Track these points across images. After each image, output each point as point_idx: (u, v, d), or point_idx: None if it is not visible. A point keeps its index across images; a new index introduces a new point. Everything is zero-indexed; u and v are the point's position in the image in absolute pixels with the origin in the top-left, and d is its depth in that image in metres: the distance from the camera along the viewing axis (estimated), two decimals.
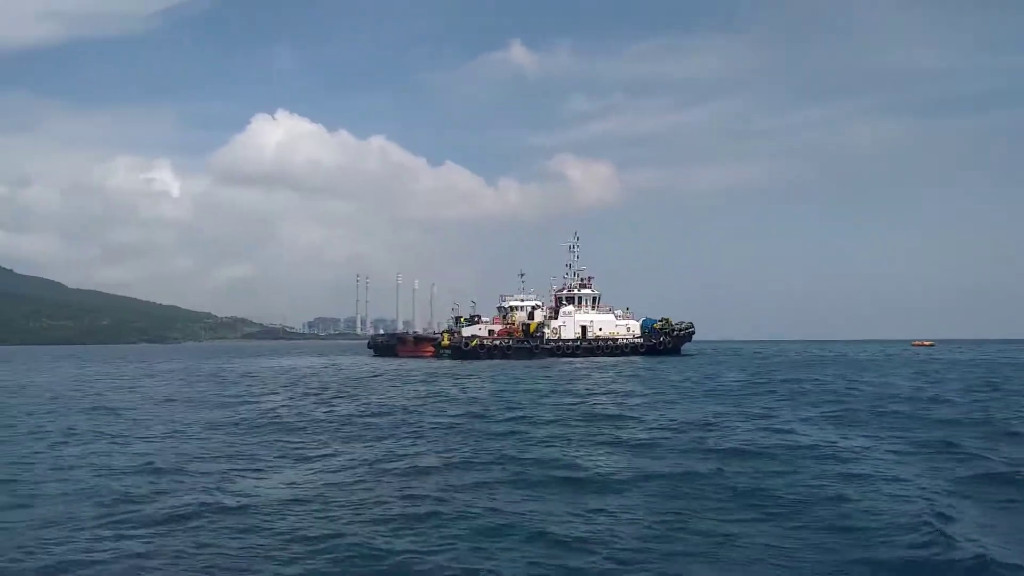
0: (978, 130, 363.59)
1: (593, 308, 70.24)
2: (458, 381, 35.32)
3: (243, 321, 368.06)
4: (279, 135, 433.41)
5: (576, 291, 70.41)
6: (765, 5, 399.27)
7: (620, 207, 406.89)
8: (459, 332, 70.57)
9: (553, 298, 72.02)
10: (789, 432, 16.08)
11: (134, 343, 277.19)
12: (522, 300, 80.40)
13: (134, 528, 8.71)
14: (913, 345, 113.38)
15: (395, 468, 12.41)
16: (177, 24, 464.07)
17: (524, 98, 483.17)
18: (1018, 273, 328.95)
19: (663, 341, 70.08)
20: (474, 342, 64.99)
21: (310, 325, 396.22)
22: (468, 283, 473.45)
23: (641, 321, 71.37)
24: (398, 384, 34.26)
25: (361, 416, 20.46)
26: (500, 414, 20.48)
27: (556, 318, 69.11)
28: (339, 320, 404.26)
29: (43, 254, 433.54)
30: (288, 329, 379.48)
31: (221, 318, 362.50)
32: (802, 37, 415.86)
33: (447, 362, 61.49)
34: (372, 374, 44.58)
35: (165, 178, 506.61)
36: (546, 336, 67.29)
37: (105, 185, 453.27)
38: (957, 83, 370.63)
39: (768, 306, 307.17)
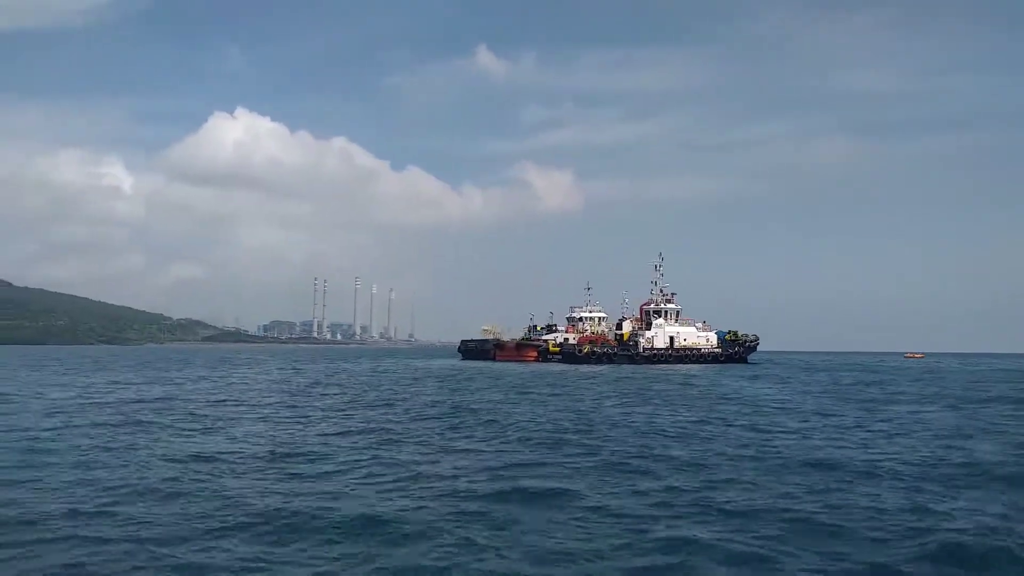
0: (937, 151, 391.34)
1: (675, 320, 78.54)
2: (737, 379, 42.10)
3: (199, 323, 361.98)
4: (238, 133, 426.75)
5: (662, 305, 78.53)
6: (723, 22, 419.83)
7: (580, 215, 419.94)
8: (554, 339, 78.22)
9: (640, 311, 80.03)
10: None
11: (92, 344, 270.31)
12: (590, 311, 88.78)
13: None
14: (906, 357, 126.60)
15: None
16: (128, 17, 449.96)
17: (489, 104, 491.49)
18: (998, 289, 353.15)
19: (737, 351, 79.06)
20: (586, 349, 72.50)
21: (266, 328, 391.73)
22: (427, 287, 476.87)
23: (715, 332, 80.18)
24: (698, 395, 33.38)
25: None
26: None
27: (648, 329, 77.05)
28: (295, 324, 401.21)
29: None
30: (243, 332, 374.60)
31: (175, 320, 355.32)
32: (756, 55, 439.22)
33: (558, 366, 68.37)
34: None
35: (117, 174, 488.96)
36: (641, 345, 75.27)
37: (49, 179, 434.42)
38: (912, 105, 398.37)
39: (740, 317, 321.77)
